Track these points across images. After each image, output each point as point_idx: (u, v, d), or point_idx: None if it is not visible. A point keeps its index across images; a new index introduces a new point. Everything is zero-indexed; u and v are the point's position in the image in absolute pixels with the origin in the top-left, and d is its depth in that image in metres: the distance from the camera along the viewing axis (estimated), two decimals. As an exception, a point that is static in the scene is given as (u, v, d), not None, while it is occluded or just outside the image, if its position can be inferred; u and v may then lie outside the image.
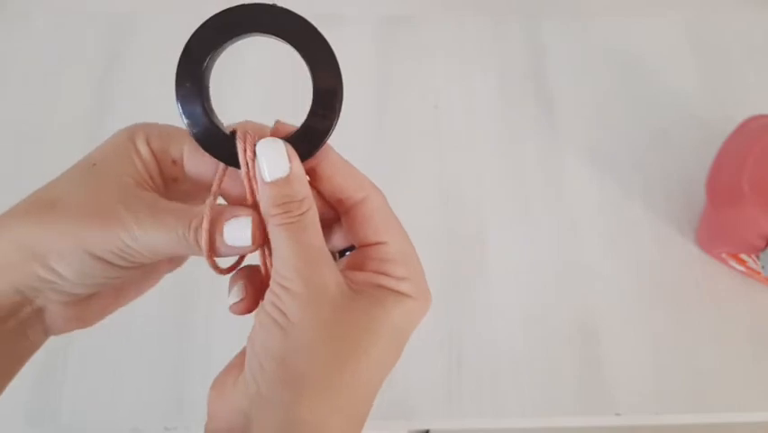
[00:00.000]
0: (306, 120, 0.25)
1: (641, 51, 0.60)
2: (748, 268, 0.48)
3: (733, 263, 0.49)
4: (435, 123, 0.56)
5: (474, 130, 0.56)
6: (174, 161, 0.26)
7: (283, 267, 0.24)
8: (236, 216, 0.25)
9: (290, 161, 0.24)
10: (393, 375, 0.46)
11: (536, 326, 0.48)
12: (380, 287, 0.25)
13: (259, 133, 0.25)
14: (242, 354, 0.25)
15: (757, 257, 0.47)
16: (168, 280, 0.48)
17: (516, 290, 0.49)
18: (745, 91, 0.58)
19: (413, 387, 0.45)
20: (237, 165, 0.25)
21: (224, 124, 0.26)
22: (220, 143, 0.25)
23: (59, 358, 0.45)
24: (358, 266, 0.26)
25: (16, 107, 0.56)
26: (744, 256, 0.48)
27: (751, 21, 0.62)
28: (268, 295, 0.24)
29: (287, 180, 0.24)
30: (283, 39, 0.24)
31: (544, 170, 0.54)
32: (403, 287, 0.25)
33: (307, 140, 0.25)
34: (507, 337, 0.47)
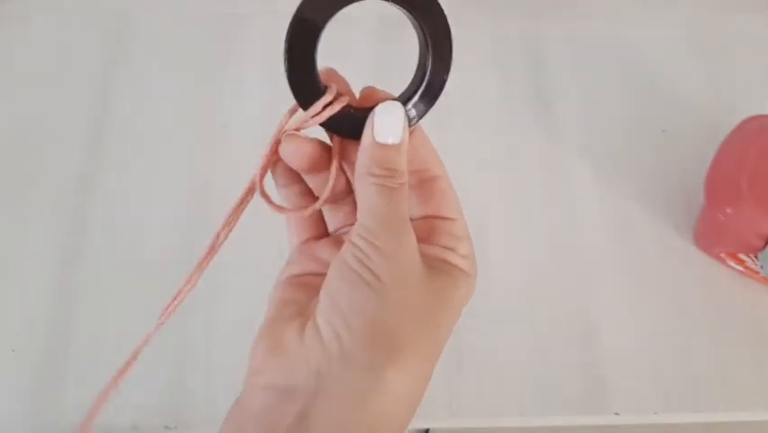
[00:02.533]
0: (413, 90, 0.26)
1: (641, 51, 0.60)
2: (747, 268, 0.48)
3: (731, 263, 0.49)
4: (435, 122, 0.56)
5: (474, 130, 0.56)
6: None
7: (377, 225, 0.24)
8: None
9: (404, 130, 0.25)
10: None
11: (536, 325, 0.48)
12: (449, 263, 0.26)
13: (347, 91, 0.26)
14: (291, 305, 0.25)
15: (756, 257, 0.47)
16: (168, 280, 0.48)
17: (516, 289, 0.49)
18: (744, 91, 0.58)
19: (413, 387, 0.45)
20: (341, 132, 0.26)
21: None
22: (314, 97, 0.25)
23: (59, 357, 0.45)
24: (423, 237, 0.26)
25: (16, 107, 0.56)
26: (742, 256, 0.48)
27: (751, 21, 0.62)
28: (350, 250, 0.24)
29: (397, 148, 0.24)
30: (400, 4, 0.25)
31: (543, 169, 0.54)
32: (466, 265, 0.26)
33: (411, 109, 0.26)
34: (507, 337, 0.47)
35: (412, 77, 0.27)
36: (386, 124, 0.25)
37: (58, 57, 0.58)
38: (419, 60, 0.26)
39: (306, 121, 0.25)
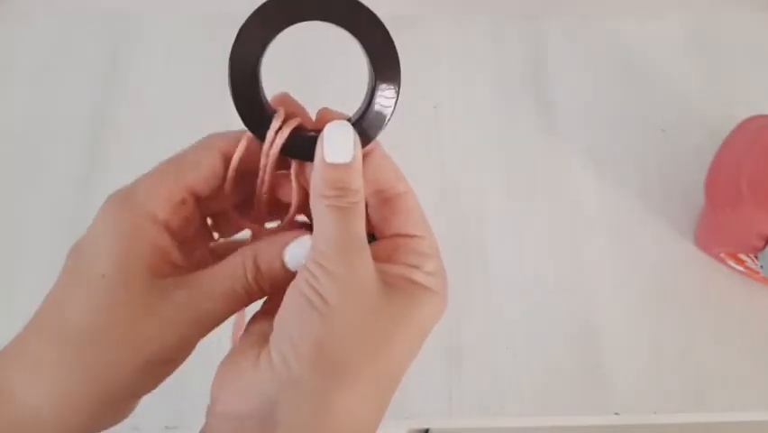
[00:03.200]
0: (363, 109, 0.26)
1: (641, 51, 0.60)
2: (747, 268, 0.48)
3: (731, 263, 0.49)
4: (435, 123, 0.56)
5: (474, 130, 0.56)
6: (183, 201, 0.26)
7: (329, 247, 0.23)
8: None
9: (355, 149, 0.24)
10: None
11: (536, 325, 0.48)
12: (412, 281, 0.25)
13: (301, 114, 0.26)
14: (255, 334, 0.25)
15: (756, 257, 0.47)
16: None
17: (516, 289, 0.49)
18: (744, 91, 0.58)
19: (413, 387, 0.45)
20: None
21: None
22: (264, 123, 0.25)
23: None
24: (386, 256, 0.26)
25: (16, 108, 0.56)
26: (742, 256, 0.48)
27: (751, 21, 0.62)
28: (303, 275, 0.24)
29: (348, 167, 0.24)
30: (342, 26, 0.25)
31: (543, 169, 0.54)
32: (432, 282, 0.25)
33: (364, 128, 0.26)
34: (507, 337, 0.47)
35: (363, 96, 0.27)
36: (335, 144, 0.24)
37: (58, 57, 0.58)
38: (368, 80, 0.26)
39: (265, 156, 0.26)
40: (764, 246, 0.45)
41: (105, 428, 0.25)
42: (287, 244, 0.25)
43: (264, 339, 0.24)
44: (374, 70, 0.25)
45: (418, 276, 0.25)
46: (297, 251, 0.25)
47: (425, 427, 0.48)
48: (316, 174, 0.24)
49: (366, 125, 0.26)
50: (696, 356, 0.47)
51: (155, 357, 0.24)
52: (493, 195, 0.53)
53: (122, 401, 0.26)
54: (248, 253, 0.25)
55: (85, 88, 0.57)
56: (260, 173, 0.26)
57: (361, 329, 0.23)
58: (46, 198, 0.51)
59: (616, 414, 0.45)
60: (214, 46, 0.59)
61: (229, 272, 0.25)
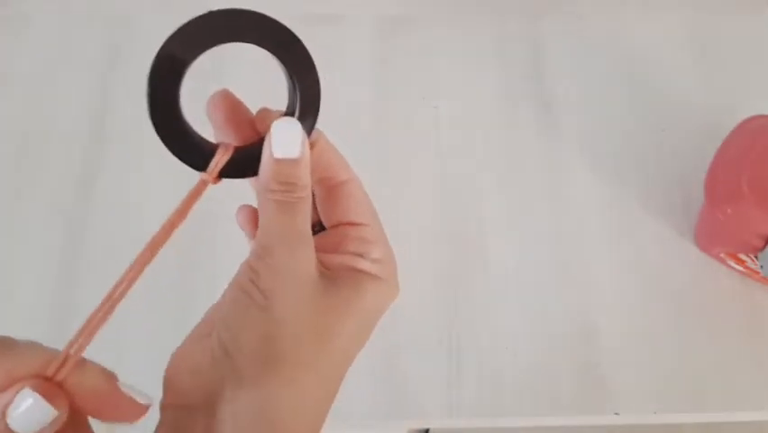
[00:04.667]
0: (293, 104, 0.26)
1: (641, 51, 0.60)
2: (747, 268, 0.48)
3: (731, 263, 0.49)
4: (435, 123, 0.56)
5: (474, 130, 0.56)
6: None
7: (269, 240, 0.24)
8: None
9: (303, 144, 0.24)
10: (393, 375, 0.46)
11: (535, 325, 0.48)
12: (356, 270, 0.25)
13: (240, 111, 0.26)
14: (211, 322, 0.25)
15: (756, 257, 0.47)
16: (167, 279, 0.48)
17: (516, 289, 0.49)
18: (744, 91, 0.58)
19: (413, 387, 0.46)
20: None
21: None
22: (197, 153, 0.25)
23: (59, 358, 0.45)
24: (333, 246, 0.26)
25: (17, 108, 0.56)
26: (742, 256, 0.48)
27: (751, 21, 0.62)
28: (243, 270, 0.24)
29: (296, 162, 0.24)
30: (261, 46, 0.25)
31: (543, 169, 0.54)
32: (377, 270, 0.26)
33: (301, 122, 0.25)
34: (507, 337, 0.47)
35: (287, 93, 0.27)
36: (284, 139, 0.24)
37: (58, 57, 0.58)
38: (286, 77, 0.26)
39: (206, 184, 0.26)
40: (764, 246, 0.45)
41: None
42: (8, 404, 0.21)
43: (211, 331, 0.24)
44: (285, 66, 0.25)
45: (362, 264, 0.25)
46: (23, 415, 0.21)
47: (425, 427, 0.48)
48: (264, 169, 0.24)
49: (301, 119, 0.26)
50: (696, 356, 0.47)
51: None
52: (493, 195, 0.53)
53: None
54: None
55: (85, 88, 0.57)
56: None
57: (301, 321, 0.23)
58: (46, 198, 0.51)
59: (616, 414, 0.45)
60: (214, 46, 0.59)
61: None
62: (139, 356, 0.48)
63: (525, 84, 0.58)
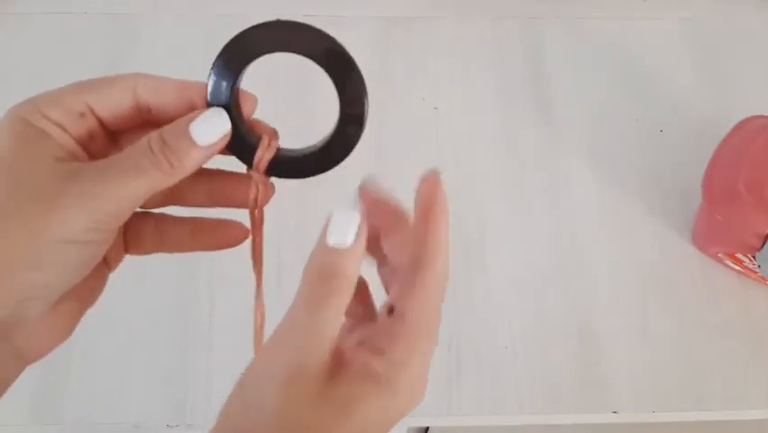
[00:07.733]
0: (333, 137, 0.27)
1: (639, 52, 0.60)
2: (744, 267, 0.49)
3: (729, 263, 0.49)
4: (435, 124, 0.56)
5: (474, 130, 0.56)
6: (82, 114, 0.26)
7: (284, 324, 0.23)
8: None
9: (358, 236, 0.23)
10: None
11: (535, 324, 0.48)
12: (367, 370, 0.23)
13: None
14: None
15: (753, 257, 0.47)
16: (169, 278, 0.48)
17: (515, 288, 0.49)
18: (742, 91, 0.58)
19: (412, 385, 0.46)
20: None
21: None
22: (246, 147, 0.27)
23: (62, 356, 0.45)
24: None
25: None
26: (740, 256, 0.48)
27: (749, 21, 0.62)
28: (259, 336, 0.25)
29: (348, 251, 0.23)
30: (312, 58, 0.26)
31: (542, 169, 0.54)
32: (392, 374, 0.23)
33: (328, 154, 0.27)
34: (506, 336, 0.48)
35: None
36: (341, 228, 0.23)
37: (58, 57, 0.58)
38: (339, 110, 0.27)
39: (254, 183, 0.27)
40: (762, 246, 0.46)
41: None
42: (193, 119, 0.25)
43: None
44: (342, 102, 0.26)
45: (377, 364, 0.23)
46: (203, 124, 0.25)
47: (425, 425, 0.48)
48: (316, 256, 0.23)
49: (330, 152, 0.27)
50: (694, 355, 0.47)
51: (64, 237, 0.23)
52: (493, 195, 0.53)
53: (27, 287, 0.23)
54: (154, 131, 0.25)
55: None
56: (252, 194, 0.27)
57: (268, 412, 0.22)
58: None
59: (614, 413, 0.46)
60: (214, 47, 0.59)
61: (135, 148, 0.24)
62: (140, 370, 0.48)
63: (524, 85, 0.58)
